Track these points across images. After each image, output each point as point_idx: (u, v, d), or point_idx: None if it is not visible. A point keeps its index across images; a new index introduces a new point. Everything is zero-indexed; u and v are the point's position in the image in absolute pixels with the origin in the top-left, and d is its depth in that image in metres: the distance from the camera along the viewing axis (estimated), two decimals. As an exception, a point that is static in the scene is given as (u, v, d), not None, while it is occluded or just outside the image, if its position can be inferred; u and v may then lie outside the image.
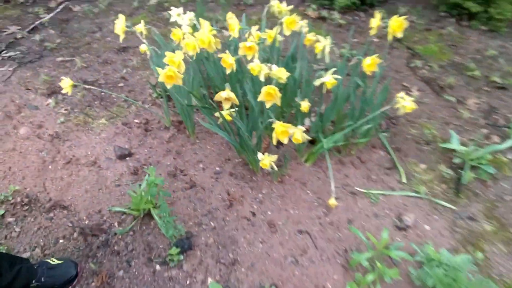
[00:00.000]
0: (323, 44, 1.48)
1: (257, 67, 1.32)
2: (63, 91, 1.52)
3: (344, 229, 1.45)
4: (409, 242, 1.41)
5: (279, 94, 1.21)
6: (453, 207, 1.54)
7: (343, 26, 2.74)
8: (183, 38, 1.43)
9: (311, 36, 1.57)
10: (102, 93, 2.11)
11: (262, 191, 1.57)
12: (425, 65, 2.34)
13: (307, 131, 1.47)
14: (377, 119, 1.57)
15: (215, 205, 1.52)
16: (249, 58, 1.38)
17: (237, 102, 1.24)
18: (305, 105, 1.38)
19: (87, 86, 1.97)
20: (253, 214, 1.49)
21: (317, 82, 1.38)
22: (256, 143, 1.53)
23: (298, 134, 1.26)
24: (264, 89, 1.21)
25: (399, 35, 1.38)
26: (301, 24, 1.70)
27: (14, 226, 1.44)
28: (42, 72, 2.28)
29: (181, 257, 1.34)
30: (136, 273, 1.31)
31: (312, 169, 1.65)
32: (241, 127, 1.41)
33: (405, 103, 1.37)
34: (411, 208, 1.53)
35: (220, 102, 1.31)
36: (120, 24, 1.58)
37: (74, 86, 2.20)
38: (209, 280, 1.29)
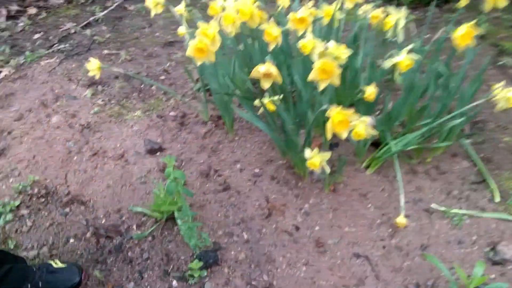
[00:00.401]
0: (395, 17, 1.17)
1: (309, 43, 1.06)
2: (89, 74, 1.36)
3: (416, 257, 1.10)
4: (510, 281, 1.02)
5: (338, 71, 0.92)
6: None
7: (413, 21, 2.38)
8: (223, 10, 1.20)
9: (378, 12, 1.27)
10: (142, 85, 1.96)
11: (309, 201, 1.27)
12: (519, 63, 1.91)
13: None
14: (465, 116, 1.21)
15: (250, 213, 1.25)
16: (300, 33, 1.12)
17: (280, 80, 0.97)
18: (370, 91, 1.07)
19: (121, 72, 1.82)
20: (297, 228, 1.19)
21: (387, 63, 1.07)
22: (305, 142, 1.24)
23: (361, 127, 0.95)
24: (318, 64, 0.93)
25: (502, 3, 1.04)
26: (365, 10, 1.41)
27: (27, 220, 1.28)
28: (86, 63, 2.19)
29: (204, 273, 1.08)
30: (149, 287, 1.07)
31: (375, 178, 1.32)
32: (285, 119, 1.13)
33: (509, 93, 1.01)
34: (509, 235, 1.15)
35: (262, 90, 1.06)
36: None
37: (116, 77, 2.09)
38: (236, 306, 1.02)
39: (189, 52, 1.04)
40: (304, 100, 1.15)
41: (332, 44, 1.03)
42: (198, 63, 1.07)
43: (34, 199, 1.35)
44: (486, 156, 1.39)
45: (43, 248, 1.20)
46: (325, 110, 0.95)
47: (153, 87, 1.95)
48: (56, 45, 2.50)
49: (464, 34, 0.97)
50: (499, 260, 1.08)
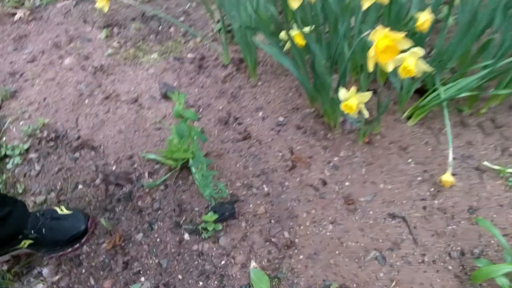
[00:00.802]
0: None
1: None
2: (97, 5, 1.21)
3: (462, 221, 0.95)
4: None
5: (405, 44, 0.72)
6: None
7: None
8: None
9: None
10: (160, 27, 1.81)
11: (340, 154, 1.12)
12: None
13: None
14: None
15: (272, 164, 1.12)
16: None
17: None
18: (425, 18, 0.87)
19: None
20: (324, 182, 1.06)
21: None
22: (338, 84, 1.07)
23: (412, 61, 0.77)
24: (380, 34, 0.73)
25: None
26: None
27: (35, 164, 1.21)
28: (102, 4, 2.05)
29: (219, 226, 0.98)
30: (158, 239, 0.98)
31: (417, 130, 1.15)
32: (316, 53, 0.96)
33: None
34: None
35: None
36: None
37: (133, 19, 1.94)
38: (252, 264, 0.92)
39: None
40: (340, 32, 0.96)
41: None
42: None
43: (43, 142, 1.27)
44: (553, 109, 1.17)
45: (51, 193, 1.13)
46: (365, 46, 0.77)
47: (171, 29, 1.79)
48: (72, -14, 2.36)
49: None
50: None
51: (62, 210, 1.00)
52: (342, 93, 0.86)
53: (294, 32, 0.99)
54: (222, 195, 1.04)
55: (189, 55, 1.54)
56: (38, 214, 0.97)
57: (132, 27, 1.85)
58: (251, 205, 1.03)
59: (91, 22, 1.94)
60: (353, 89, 0.85)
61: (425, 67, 0.80)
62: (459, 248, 0.91)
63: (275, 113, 1.28)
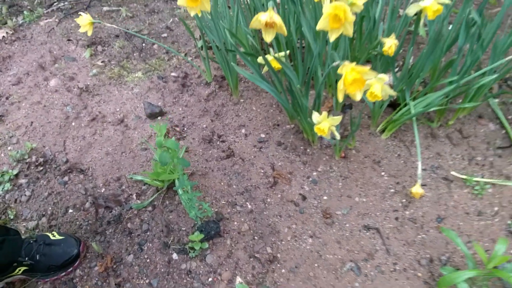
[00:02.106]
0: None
1: None
2: (81, 30, 1.25)
3: (431, 230, 1.02)
4: (535, 259, 0.94)
5: (351, 18, 0.78)
6: None
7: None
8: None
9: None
10: (143, 44, 1.85)
11: (318, 169, 1.18)
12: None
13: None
14: (497, 73, 1.07)
15: (255, 181, 1.18)
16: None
17: (285, 31, 0.85)
18: (390, 43, 0.94)
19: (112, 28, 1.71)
20: (303, 198, 1.12)
21: (411, 10, 0.92)
22: (314, 103, 1.13)
23: (378, 87, 0.84)
24: (328, 9, 0.79)
25: None
26: None
27: (25, 189, 1.25)
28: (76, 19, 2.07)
29: (206, 245, 1.04)
30: (148, 260, 1.03)
31: (390, 143, 1.22)
32: (292, 78, 1.02)
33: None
34: (538, 207, 1.04)
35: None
36: None
37: (116, 36, 1.97)
38: (238, 279, 0.97)
39: (181, 1, 0.92)
40: (314, 56, 1.02)
41: None
42: (192, 13, 0.95)
43: (32, 167, 1.31)
44: (516, 118, 1.25)
45: (42, 218, 1.17)
46: (337, 67, 0.83)
47: (155, 46, 1.83)
48: (56, 3, 2.38)
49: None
50: (524, 233, 0.99)
51: (54, 236, 1.04)
52: (315, 117, 0.92)
53: (271, 57, 1.04)
54: (207, 214, 1.09)
55: (173, 74, 1.59)
56: (31, 241, 1.01)
57: (116, 44, 1.89)
58: (235, 223, 1.09)
59: (75, 40, 1.97)
60: (324, 113, 0.91)
61: (390, 91, 0.86)
62: (428, 256, 0.98)
63: (257, 129, 1.33)
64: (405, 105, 1.18)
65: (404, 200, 1.09)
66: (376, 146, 1.21)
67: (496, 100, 1.31)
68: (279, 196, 1.13)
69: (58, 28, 2.09)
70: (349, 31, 0.79)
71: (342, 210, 1.08)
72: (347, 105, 1.33)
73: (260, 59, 1.08)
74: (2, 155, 1.38)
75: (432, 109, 1.13)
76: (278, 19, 0.81)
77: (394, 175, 1.14)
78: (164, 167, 1.13)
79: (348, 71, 0.77)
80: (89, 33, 1.28)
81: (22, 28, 2.14)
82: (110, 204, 1.18)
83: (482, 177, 1.12)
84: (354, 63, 0.78)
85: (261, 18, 0.81)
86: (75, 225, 1.14)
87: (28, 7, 2.36)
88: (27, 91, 1.61)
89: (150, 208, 1.15)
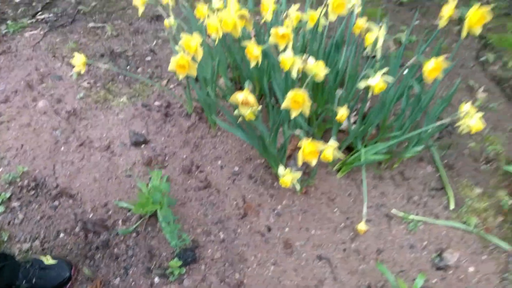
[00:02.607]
0: (375, 34, 1.20)
1: (289, 60, 1.09)
2: (75, 70, 1.38)
3: (371, 261, 1.24)
4: (447, 286, 1.18)
5: (308, 103, 0.98)
6: (508, 247, 1.27)
7: (404, 4, 2.35)
8: (208, 16, 1.21)
9: (361, 22, 1.29)
10: (128, 67, 1.97)
11: (282, 202, 1.38)
12: (498, 60, 1.95)
13: (345, 133, 1.24)
14: (431, 133, 1.30)
15: (228, 212, 1.36)
16: (281, 47, 1.15)
17: (257, 106, 1.03)
18: (342, 114, 1.14)
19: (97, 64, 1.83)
20: (269, 229, 1.31)
21: (361, 84, 1.12)
22: (280, 149, 1.32)
23: (330, 151, 1.04)
24: (290, 95, 0.98)
25: (477, 30, 1.07)
26: (353, 3, 1.42)
27: (18, 212, 1.38)
28: (71, 38, 2.16)
29: (183, 270, 1.21)
30: (133, 283, 1.20)
31: (344, 182, 1.43)
32: (263, 133, 1.20)
33: (472, 121, 1.09)
34: (456, 242, 1.29)
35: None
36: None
37: (101, 56, 2.08)
38: (210, 301, 1.16)
39: (171, 67, 1.07)
40: (282, 113, 1.21)
41: (311, 61, 1.08)
42: (180, 77, 1.11)
43: (24, 191, 1.43)
44: (449, 163, 1.49)
45: (35, 241, 1.31)
46: (297, 135, 1.02)
47: (139, 69, 1.96)
48: (40, 13, 2.43)
49: (433, 68, 1.02)
50: (442, 266, 1.23)
51: (48, 260, 1.19)
52: (280, 170, 1.11)
53: (244, 112, 1.22)
54: (185, 243, 1.27)
55: (156, 103, 1.73)
56: (27, 265, 1.15)
57: (102, 64, 2.00)
58: (209, 250, 1.27)
59: (60, 56, 2.06)
60: (288, 169, 1.10)
61: (339, 155, 1.06)
62: (367, 283, 1.21)
63: (232, 162, 1.51)
64: (357, 149, 1.39)
65: (351, 234, 1.30)
66: (332, 184, 1.42)
67: (436, 144, 1.54)
68: (248, 227, 1.32)
69: (43, 42, 2.16)
70: (306, 111, 0.98)
71: (300, 241, 1.29)
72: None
73: (236, 112, 1.25)
74: (-6, 176, 1.49)
75: (377, 158, 1.34)
76: (252, 99, 0.99)
77: (345, 211, 1.35)
78: (148, 196, 1.29)
79: (306, 145, 0.97)
80: (82, 71, 1.41)
81: (6, 38, 2.20)
82: (98, 229, 1.33)
83: (416, 215, 1.35)
84: (310, 139, 0.97)
85: (238, 96, 0.98)
86: (67, 249, 1.29)
87: (11, 15, 2.41)
88: (15, 111, 1.71)
89: (134, 234, 1.32)
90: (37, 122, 1.67)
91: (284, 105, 1.01)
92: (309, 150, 0.97)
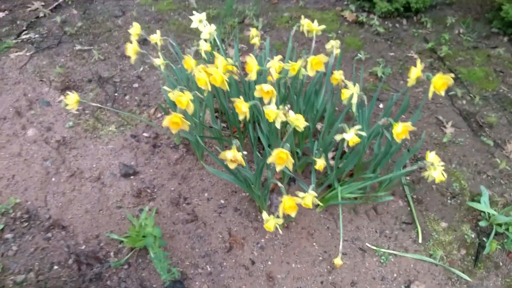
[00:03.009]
0: (350, 91, 1.31)
1: (273, 113, 1.19)
2: (68, 107, 1.43)
3: (346, 293, 1.36)
4: (414, 318, 1.31)
5: (292, 160, 1.09)
6: (469, 279, 1.41)
7: (381, 34, 2.50)
8: (197, 65, 1.30)
9: (338, 75, 1.40)
10: (116, 94, 2.03)
11: (266, 236, 1.48)
12: (466, 95, 2.11)
13: (323, 172, 1.35)
14: (401, 174, 1.43)
15: (214, 246, 1.45)
16: (266, 101, 1.25)
17: (244, 163, 1.13)
18: (320, 164, 1.25)
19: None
20: (253, 262, 1.41)
21: (337, 137, 1.24)
22: (264, 181, 1.42)
23: (309, 199, 1.14)
24: (275, 152, 1.09)
25: (441, 93, 1.20)
26: (332, 45, 1.53)
27: (12, 244, 1.43)
28: (58, 61, 2.20)
29: (173, 302, 1.30)
30: (125, 316, 1.28)
31: (322, 216, 1.54)
32: (249, 177, 1.30)
33: (434, 173, 1.22)
34: (423, 275, 1.42)
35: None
36: (132, 46, 1.46)
37: (89, 81, 2.13)
38: (198, 332, 1.25)
39: (165, 123, 1.16)
40: (266, 156, 1.31)
41: (292, 114, 1.19)
42: (174, 132, 1.19)
43: (17, 223, 1.48)
44: (419, 197, 1.63)
45: (30, 273, 1.36)
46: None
47: (127, 97, 2.02)
48: (25, 32, 2.44)
49: (401, 132, 1.14)
50: (410, 297, 1.36)
51: (44, 295, 1.25)
52: (264, 216, 1.21)
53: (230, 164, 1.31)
54: (174, 276, 1.35)
55: (145, 134, 1.80)
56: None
57: (89, 90, 2.04)
58: (197, 283, 1.36)
59: (47, 81, 2.10)
60: (271, 216, 1.20)
61: (318, 202, 1.17)
62: (342, 313, 1.32)
63: (218, 195, 1.60)
64: (334, 187, 1.51)
65: (328, 267, 1.42)
66: (311, 218, 1.53)
67: (407, 178, 1.68)
68: (233, 260, 1.42)
69: (30, 65, 2.19)
70: (290, 166, 1.09)
71: (281, 274, 1.39)
72: (291, 178, 1.63)
73: (222, 155, 1.34)
74: (-15, 207, 1.53)
75: (351, 196, 1.47)
76: (239, 157, 1.08)
77: (323, 245, 1.47)
78: (138, 230, 1.37)
79: (286, 200, 1.07)
80: (75, 108, 1.47)
81: (-8, 59, 2.21)
82: (91, 261, 1.40)
83: (388, 248, 1.48)
84: (289, 196, 1.08)
85: (227, 155, 1.08)
86: (61, 281, 1.35)
87: (-3, 35, 2.41)
88: (5, 139, 1.75)
89: (126, 266, 1.39)
90: (28, 152, 1.71)
91: (269, 160, 1.11)
92: (289, 205, 1.08)
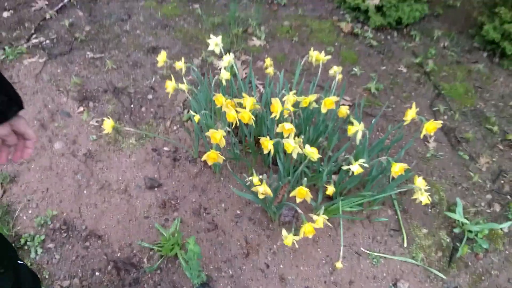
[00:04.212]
0: (356, 128, 1.53)
1: (291, 147, 1.41)
2: (104, 132, 1.59)
3: (345, 291, 1.64)
4: (400, 311, 1.61)
5: (310, 195, 1.32)
6: (444, 277, 1.72)
7: (374, 47, 2.71)
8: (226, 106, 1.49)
9: (345, 110, 1.62)
10: (132, 105, 2.17)
11: (277, 243, 1.73)
12: (448, 111, 2.38)
13: (328, 187, 1.58)
14: (392, 192, 1.69)
15: (234, 252, 1.69)
16: (285, 135, 1.46)
17: (271, 195, 1.35)
18: (331, 190, 1.49)
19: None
20: (267, 266, 1.66)
21: (344, 168, 1.47)
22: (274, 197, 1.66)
23: (321, 221, 1.39)
24: (297, 189, 1.31)
25: (431, 133, 1.44)
26: (335, 70, 1.74)
27: (54, 253, 1.62)
28: (72, 70, 2.30)
29: (202, 302, 1.54)
30: (163, 315, 1.51)
31: (325, 225, 1.79)
32: (267, 198, 1.53)
33: (422, 198, 1.48)
34: (407, 274, 1.71)
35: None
36: (171, 84, 1.61)
37: (104, 91, 2.26)
38: (224, 327, 1.50)
39: (204, 158, 1.35)
40: (281, 178, 1.54)
41: (308, 147, 1.41)
42: (210, 164, 1.39)
43: (57, 233, 1.67)
44: (405, 207, 1.91)
45: (74, 279, 1.57)
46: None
47: (143, 108, 2.17)
48: (34, 35, 2.51)
49: (397, 171, 1.38)
50: (397, 293, 1.66)
51: (93, 299, 1.47)
52: (284, 233, 1.45)
53: (254, 179, 1.53)
54: (203, 280, 1.59)
55: (165, 148, 1.98)
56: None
57: (106, 101, 2.18)
58: (221, 284, 1.60)
59: (64, 90, 2.22)
60: (290, 234, 1.44)
61: (328, 224, 1.42)
62: (342, 308, 1.61)
63: (234, 205, 1.82)
64: (336, 198, 1.76)
65: (330, 269, 1.69)
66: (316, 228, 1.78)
67: (396, 191, 1.95)
68: (251, 264, 1.66)
69: (44, 72, 2.29)
70: (308, 199, 1.32)
71: (292, 276, 1.65)
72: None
73: (251, 179, 1.56)
74: (24, 217, 1.70)
75: (350, 209, 1.72)
76: (268, 191, 1.30)
77: (326, 250, 1.73)
78: (169, 240, 1.59)
79: (306, 226, 1.31)
80: (109, 133, 1.63)
81: (6, 66, 2.30)
82: (128, 267, 1.61)
83: (379, 252, 1.76)
84: (309, 223, 1.32)
85: (259, 189, 1.30)
86: (103, 285, 1.56)
87: (4, 36, 2.47)
88: (34, 152, 1.89)
89: (158, 271, 1.61)
90: (58, 165, 1.86)
91: (292, 194, 1.34)
92: (309, 230, 1.32)
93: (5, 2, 2.76)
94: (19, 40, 2.46)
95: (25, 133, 0.82)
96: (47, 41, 2.46)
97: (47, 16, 2.64)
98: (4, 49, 2.36)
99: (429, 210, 1.92)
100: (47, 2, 2.77)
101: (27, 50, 2.39)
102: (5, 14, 2.67)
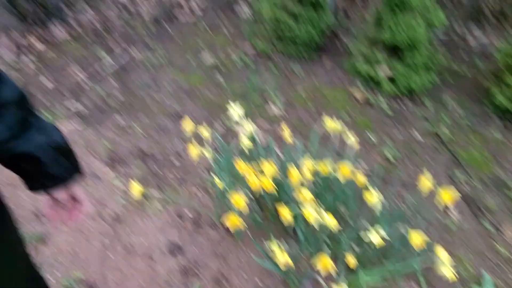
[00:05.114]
0: (375, 198, 1.57)
1: (311, 217, 1.45)
2: (132, 196, 1.68)
3: None
4: None
5: (333, 265, 1.34)
6: None
7: (388, 115, 2.81)
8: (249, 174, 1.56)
9: (363, 179, 1.67)
10: (158, 168, 2.28)
11: (299, 315, 1.70)
12: (467, 178, 2.39)
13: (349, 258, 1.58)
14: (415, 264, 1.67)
15: (254, 324, 1.66)
16: (305, 204, 1.50)
17: (293, 266, 1.38)
18: (352, 263, 1.50)
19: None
20: None
21: (365, 238, 1.49)
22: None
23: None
24: (319, 259, 1.33)
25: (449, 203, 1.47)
26: (353, 140, 1.82)
27: (78, 319, 1.63)
28: (104, 136, 2.46)
29: None
30: None
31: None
32: (290, 270, 1.54)
33: (447, 273, 1.46)
34: None
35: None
36: (195, 151, 1.73)
37: (133, 156, 2.38)
38: None
39: (227, 223, 1.41)
40: (301, 246, 1.56)
41: (326, 215, 1.44)
42: (231, 228, 1.44)
43: (82, 299, 1.69)
44: (430, 280, 1.87)
45: None
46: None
47: (169, 174, 2.27)
48: (73, 103, 2.72)
49: (417, 242, 1.40)
50: None
51: None
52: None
53: (275, 248, 1.56)
54: None
55: (189, 214, 2.04)
56: None
57: (135, 166, 2.30)
58: None
59: (95, 154, 2.35)
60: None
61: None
62: None
63: (254, 275, 1.83)
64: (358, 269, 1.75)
65: None
66: (338, 299, 1.75)
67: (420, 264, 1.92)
68: (271, 338, 1.63)
69: (79, 138, 2.45)
70: (330, 268, 1.33)
71: None
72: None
73: (270, 246, 1.59)
74: (52, 278, 1.74)
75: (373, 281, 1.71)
76: (290, 262, 1.33)
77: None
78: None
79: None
80: (137, 197, 1.71)
81: (45, 131, 2.47)
82: (147, 338, 1.60)
83: (404, 329, 1.70)
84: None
85: (282, 261, 1.33)
86: None
87: (43, 100, 2.69)
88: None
89: None
90: (86, 227, 1.94)
91: (313, 263, 1.36)
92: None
93: (46, 71, 3.04)
94: (59, 108, 2.67)
95: (80, 200, 0.90)
96: (83, 109, 2.67)
97: (85, 87, 2.88)
98: (46, 117, 2.56)
99: (458, 286, 1.87)
100: (82, 69, 3.04)
101: (63, 116, 2.59)
102: (45, 82, 2.93)
